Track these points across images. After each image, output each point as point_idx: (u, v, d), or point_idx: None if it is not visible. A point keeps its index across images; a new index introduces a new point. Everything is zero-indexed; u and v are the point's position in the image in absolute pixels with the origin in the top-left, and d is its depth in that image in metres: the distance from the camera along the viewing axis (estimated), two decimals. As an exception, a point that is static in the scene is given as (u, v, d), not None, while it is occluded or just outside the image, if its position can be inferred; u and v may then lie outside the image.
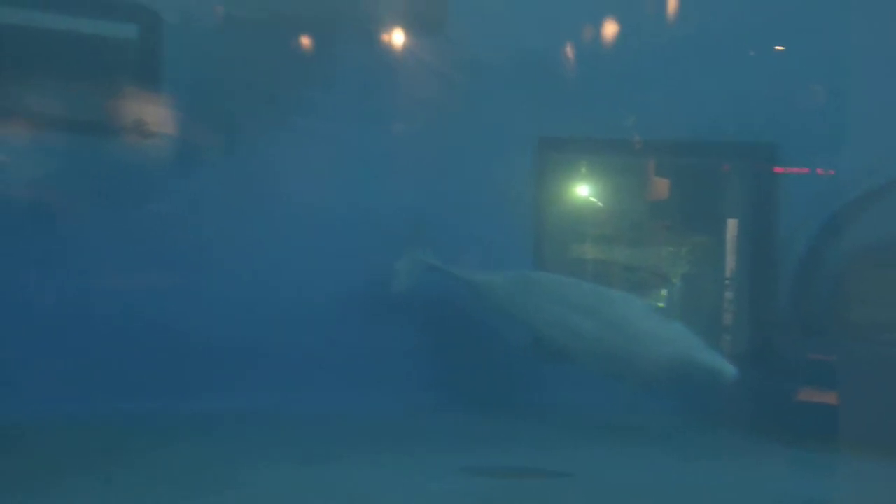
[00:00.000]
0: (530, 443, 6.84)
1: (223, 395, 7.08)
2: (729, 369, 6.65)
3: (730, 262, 8.94)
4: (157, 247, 7.34)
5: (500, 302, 7.54)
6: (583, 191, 9.46)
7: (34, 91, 7.31)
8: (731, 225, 8.92)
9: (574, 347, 7.18)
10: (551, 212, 8.80)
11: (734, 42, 8.27)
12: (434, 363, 8.00)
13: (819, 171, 8.46)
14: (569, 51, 8.36)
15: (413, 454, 6.28)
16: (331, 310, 7.64)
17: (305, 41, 7.93)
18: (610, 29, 8.36)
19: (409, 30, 8.04)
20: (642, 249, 9.49)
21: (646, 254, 9.51)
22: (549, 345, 7.32)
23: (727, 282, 8.87)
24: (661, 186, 9.34)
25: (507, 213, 8.15)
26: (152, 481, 5.23)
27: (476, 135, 8.05)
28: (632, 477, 5.86)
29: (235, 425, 6.85)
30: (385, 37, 8.06)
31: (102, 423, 6.62)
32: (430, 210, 7.83)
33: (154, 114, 7.46)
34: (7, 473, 5.30)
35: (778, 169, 8.44)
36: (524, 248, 8.31)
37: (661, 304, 9.16)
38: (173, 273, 7.33)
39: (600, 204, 9.53)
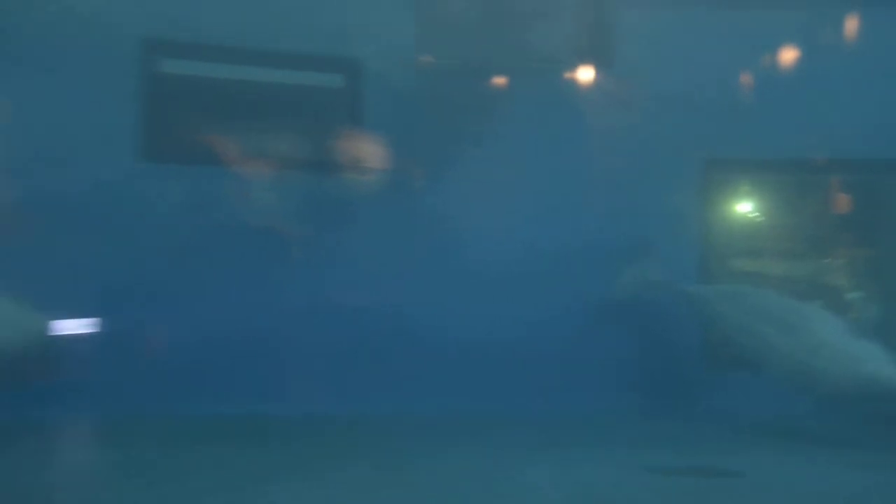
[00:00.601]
0: (712, 445, 7.15)
1: (453, 397, 7.82)
2: None
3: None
4: (378, 264, 8.15)
5: (710, 312, 8.12)
6: (744, 207, 9.84)
7: (263, 135, 8.29)
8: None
9: (769, 359, 7.57)
10: (716, 228, 9.25)
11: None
12: (635, 369, 8.55)
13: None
14: (730, 80, 8.77)
15: (601, 451, 6.72)
16: (547, 323, 8.25)
17: (492, 82, 8.64)
18: (769, 57, 8.79)
19: (584, 67, 8.64)
20: (805, 262, 9.76)
21: (808, 267, 9.77)
22: (746, 354, 7.71)
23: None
24: (820, 202, 9.59)
25: (677, 230, 8.60)
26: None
27: (649, 159, 8.55)
28: (799, 480, 6.04)
29: (470, 424, 7.51)
30: (563, 74, 8.68)
31: (361, 420, 7.51)
32: (613, 229, 8.45)
33: (362, 152, 8.29)
34: (286, 461, 6.13)
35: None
36: (692, 262, 8.79)
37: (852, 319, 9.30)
38: (402, 284, 8.10)
39: (762, 219, 9.88)
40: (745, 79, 8.79)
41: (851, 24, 8.72)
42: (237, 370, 7.73)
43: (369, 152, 8.29)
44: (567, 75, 8.72)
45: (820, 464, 6.49)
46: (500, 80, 8.65)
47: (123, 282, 7.56)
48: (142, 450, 6.36)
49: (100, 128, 7.69)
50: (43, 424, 6.87)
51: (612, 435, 7.47)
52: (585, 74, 8.73)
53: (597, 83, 8.71)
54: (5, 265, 6.89)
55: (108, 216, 7.65)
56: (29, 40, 7.52)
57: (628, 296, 8.31)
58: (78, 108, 7.59)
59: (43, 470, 5.87)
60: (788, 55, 8.76)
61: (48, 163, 7.43)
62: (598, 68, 8.72)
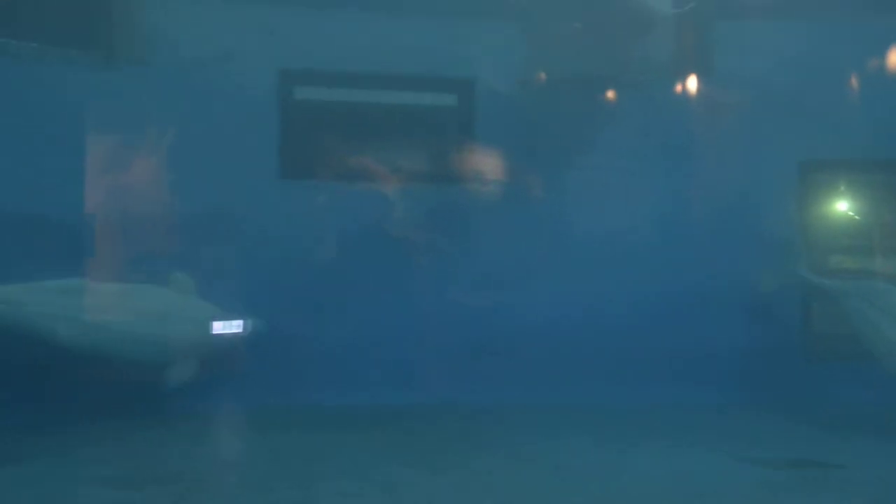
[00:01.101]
0: (814, 438, 7.43)
1: (566, 390, 8.42)
2: None
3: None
4: (497, 267, 8.74)
5: (844, 306, 8.29)
6: (840, 206, 10.00)
7: (387, 152, 8.91)
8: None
9: (885, 351, 7.80)
10: (812, 225, 9.53)
11: None
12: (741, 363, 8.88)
13: None
14: (822, 85, 9.04)
15: (703, 444, 7.03)
16: (658, 318, 8.74)
17: (598, 95, 9.07)
18: (859, 63, 9.13)
19: (686, 76, 9.07)
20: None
21: None
22: (871, 347, 7.99)
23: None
24: None
25: (776, 226, 8.97)
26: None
27: (749, 161, 8.95)
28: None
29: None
30: (666, 84, 9.09)
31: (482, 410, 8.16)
32: (713, 226, 8.85)
33: (476, 164, 8.89)
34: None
35: None
36: (788, 257, 8.99)
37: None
38: (520, 285, 8.72)
39: (856, 217, 10.02)
40: (838, 84, 9.12)
41: None
42: (378, 364, 8.44)
43: (484, 165, 8.86)
44: (670, 85, 9.11)
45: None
46: (605, 93, 9.07)
47: (268, 285, 8.26)
48: (289, 436, 7.14)
49: (245, 149, 8.44)
50: (209, 412, 7.82)
51: (722, 427, 7.82)
52: (687, 83, 9.12)
53: (698, 91, 9.13)
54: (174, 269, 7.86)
55: (254, 226, 8.38)
56: (182, 73, 8.27)
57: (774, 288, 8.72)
58: (226, 132, 8.33)
59: (199, 448, 6.86)
60: (878, 61, 9.04)
61: (203, 180, 8.17)
62: (699, 77, 9.11)
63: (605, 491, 5.67)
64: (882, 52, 9.11)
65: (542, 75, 8.94)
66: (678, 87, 9.13)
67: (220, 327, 8.05)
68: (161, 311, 7.73)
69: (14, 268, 7.27)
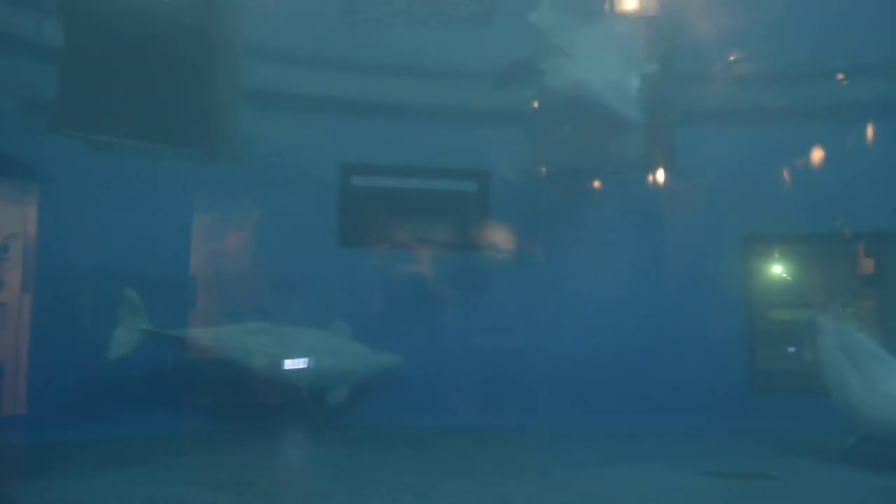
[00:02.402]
0: (757, 454, 8.07)
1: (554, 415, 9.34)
2: None
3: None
4: (506, 318, 9.72)
5: (821, 342, 8.47)
6: (774, 270, 10.99)
7: (421, 226, 10.03)
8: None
9: (838, 394, 7.94)
10: (753, 284, 10.39)
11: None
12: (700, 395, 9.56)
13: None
14: (759, 176, 9.96)
15: (670, 462, 7.61)
16: (634, 361, 9.62)
17: (585, 182, 10.18)
18: (792, 157, 10.10)
19: (653, 169, 10.16)
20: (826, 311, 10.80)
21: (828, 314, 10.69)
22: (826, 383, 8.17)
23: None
24: (841, 265, 10.75)
25: (727, 287, 9.91)
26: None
27: (702, 234, 9.92)
28: (825, 483, 6.92)
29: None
30: (635, 175, 10.15)
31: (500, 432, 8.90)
32: (678, 286, 9.82)
33: (492, 236, 10.01)
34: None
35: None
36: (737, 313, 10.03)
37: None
38: (526, 331, 9.69)
39: (787, 278, 11.03)
40: (772, 175, 10.08)
41: (861, 133, 9.95)
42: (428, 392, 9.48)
43: (497, 237, 10.03)
44: (641, 175, 10.18)
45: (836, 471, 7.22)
46: (592, 181, 10.22)
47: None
48: (383, 451, 8.03)
49: (313, 225, 9.69)
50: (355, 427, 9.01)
51: (685, 448, 8.36)
52: (655, 174, 10.18)
53: (663, 180, 10.18)
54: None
55: (319, 283, 9.49)
56: (266, 166, 9.54)
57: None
58: (299, 211, 9.56)
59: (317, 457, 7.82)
60: (803, 158, 10.03)
61: (281, 248, 9.38)
62: (664, 169, 10.17)
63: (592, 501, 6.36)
64: (806, 151, 10.11)
65: (543, 167, 10.10)
66: (648, 177, 10.24)
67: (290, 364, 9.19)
68: (325, 349, 8.96)
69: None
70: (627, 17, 9.63)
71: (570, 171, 10.03)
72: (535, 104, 9.75)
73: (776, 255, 10.93)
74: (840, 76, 9.92)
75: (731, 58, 9.97)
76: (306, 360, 8.77)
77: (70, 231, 8.56)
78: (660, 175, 10.23)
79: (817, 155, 10.09)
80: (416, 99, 10.02)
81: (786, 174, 10.13)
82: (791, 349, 10.78)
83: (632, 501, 6.36)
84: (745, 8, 9.48)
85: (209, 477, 6.77)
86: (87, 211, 8.74)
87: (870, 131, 10.03)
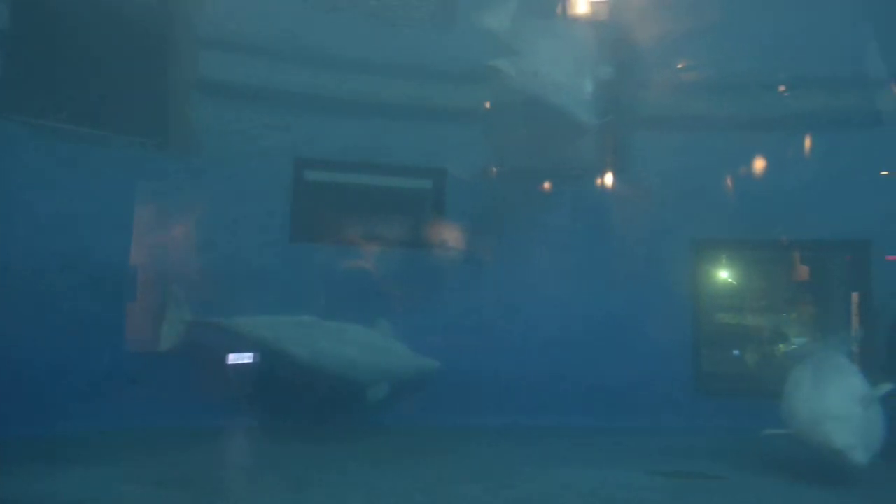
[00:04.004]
0: (702, 454, 8.07)
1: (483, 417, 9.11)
2: None
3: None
4: (454, 317, 9.43)
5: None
6: (721, 274, 11.14)
7: (375, 223, 9.74)
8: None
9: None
10: (700, 287, 10.32)
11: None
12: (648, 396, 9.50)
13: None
14: (713, 182, 9.93)
15: (619, 461, 7.70)
16: (575, 364, 9.44)
17: (539, 184, 9.98)
18: (740, 165, 10.01)
19: (606, 172, 9.99)
20: (768, 316, 10.96)
21: (772, 320, 10.99)
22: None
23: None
24: (785, 271, 10.87)
25: (675, 291, 9.80)
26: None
27: (654, 239, 9.81)
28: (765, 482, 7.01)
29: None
30: (589, 179, 9.99)
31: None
32: (627, 289, 9.63)
33: (444, 235, 9.76)
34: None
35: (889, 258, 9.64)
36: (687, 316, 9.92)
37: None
38: (473, 330, 9.43)
39: (733, 283, 11.19)
40: (720, 181, 10.01)
41: (802, 143, 9.92)
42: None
43: (450, 236, 9.77)
44: (595, 178, 10.02)
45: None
46: (546, 183, 10.00)
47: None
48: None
49: (265, 218, 9.31)
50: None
51: (634, 447, 8.39)
52: (608, 177, 10.02)
53: (616, 183, 10.02)
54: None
55: (268, 277, 9.12)
56: (220, 158, 9.16)
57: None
58: (252, 205, 9.20)
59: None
60: (749, 165, 9.96)
61: (232, 242, 9.04)
62: (617, 172, 10.01)
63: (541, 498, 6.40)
64: (753, 159, 10.02)
65: (498, 167, 9.87)
66: (601, 180, 10.07)
67: (233, 358, 8.81)
68: (369, 345, 8.85)
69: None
70: (582, 22, 9.44)
71: (524, 172, 9.82)
72: (492, 105, 9.45)
73: (723, 260, 10.96)
74: (782, 88, 9.91)
75: (679, 65, 9.89)
76: (351, 354, 8.62)
77: (7, 219, 8.02)
78: (613, 179, 10.04)
79: (764, 163, 9.99)
80: (373, 95, 9.68)
81: (734, 181, 9.98)
82: (735, 352, 10.93)
83: (577, 500, 6.32)
84: (695, 17, 9.32)
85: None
86: (27, 199, 8.19)
87: (813, 142, 9.94)
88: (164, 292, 8.59)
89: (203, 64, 9.21)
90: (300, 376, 8.57)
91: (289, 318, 8.61)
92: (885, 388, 7.17)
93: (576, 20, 9.46)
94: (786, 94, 9.92)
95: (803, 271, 10.83)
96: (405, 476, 6.87)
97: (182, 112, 9.02)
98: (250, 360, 8.78)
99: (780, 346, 10.79)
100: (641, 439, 8.76)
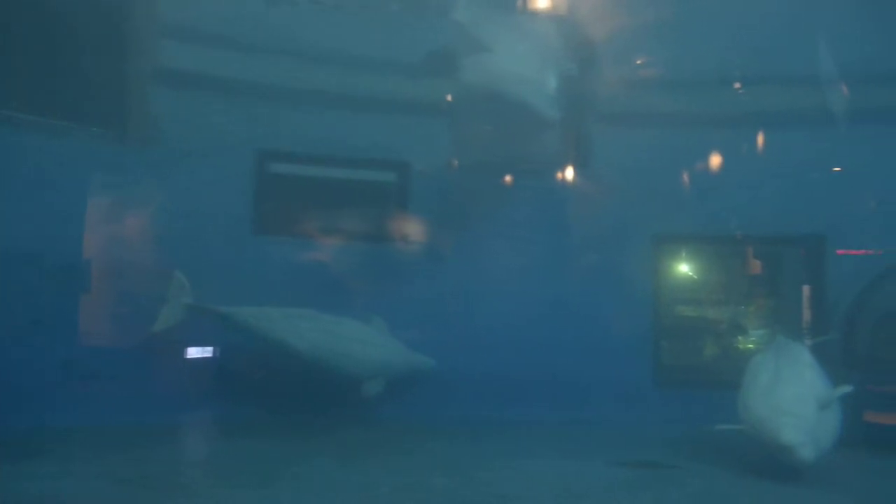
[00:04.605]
0: (659, 445, 8.20)
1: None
2: None
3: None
4: (416, 309, 9.33)
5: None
6: (681, 268, 11.22)
7: (338, 216, 9.57)
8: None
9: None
10: (661, 281, 10.37)
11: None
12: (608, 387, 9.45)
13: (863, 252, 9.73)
14: (672, 178, 9.94)
15: (581, 452, 7.82)
16: (536, 359, 9.37)
17: (502, 178, 9.93)
18: (698, 162, 10.02)
19: (568, 167, 9.94)
20: (726, 309, 11.05)
21: (729, 312, 11.08)
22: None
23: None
24: (742, 265, 10.96)
25: (635, 284, 9.82)
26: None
27: (614, 234, 9.79)
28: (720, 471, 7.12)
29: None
30: (551, 174, 9.96)
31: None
32: (588, 283, 9.61)
33: (407, 229, 9.69)
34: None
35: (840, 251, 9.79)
36: (648, 309, 9.96)
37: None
38: (435, 323, 9.35)
39: (693, 277, 11.28)
40: (683, 178, 10.04)
41: (758, 140, 9.98)
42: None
43: (412, 229, 9.70)
44: (558, 172, 9.99)
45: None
46: (508, 177, 9.95)
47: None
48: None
49: (227, 211, 9.12)
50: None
51: (584, 439, 8.47)
52: (571, 172, 9.99)
53: (578, 178, 9.98)
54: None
55: (229, 271, 8.90)
56: (179, 150, 8.94)
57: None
58: (213, 197, 8.99)
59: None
60: (708, 162, 10.00)
61: (192, 235, 8.82)
62: (579, 167, 9.98)
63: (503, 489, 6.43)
64: (711, 154, 10.03)
65: (461, 160, 9.77)
66: (563, 175, 10.04)
67: (194, 352, 8.64)
68: (367, 339, 8.85)
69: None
70: (545, 17, 9.38)
71: (488, 166, 9.69)
72: (455, 98, 9.33)
73: (683, 255, 11.03)
74: (738, 85, 9.95)
75: (639, 61, 9.86)
76: (349, 347, 8.61)
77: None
78: (574, 174, 9.99)
79: (722, 160, 10.01)
80: (337, 87, 9.53)
81: (693, 177, 9.98)
82: (695, 345, 10.97)
83: (538, 491, 6.42)
84: (654, 14, 9.28)
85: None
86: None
87: (770, 139, 9.96)
88: (167, 276, 8.40)
89: (163, 53, 8.98)
90: (297, 368, 8.50)
91: (287, 310, 8.55)
92: (844, 389, 7.20)
93: (539, 15, 9.38)
94: (741, 92, 9.95)
95: (761, 265, 10.95)
96: (371, 471, 6.80)
97: (141, 102, 8.78)
98: (210, 355, 8.65)
99: (739, 338, 10.91)
100: (602, 431, 8.79)
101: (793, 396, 6.97)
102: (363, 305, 9.19)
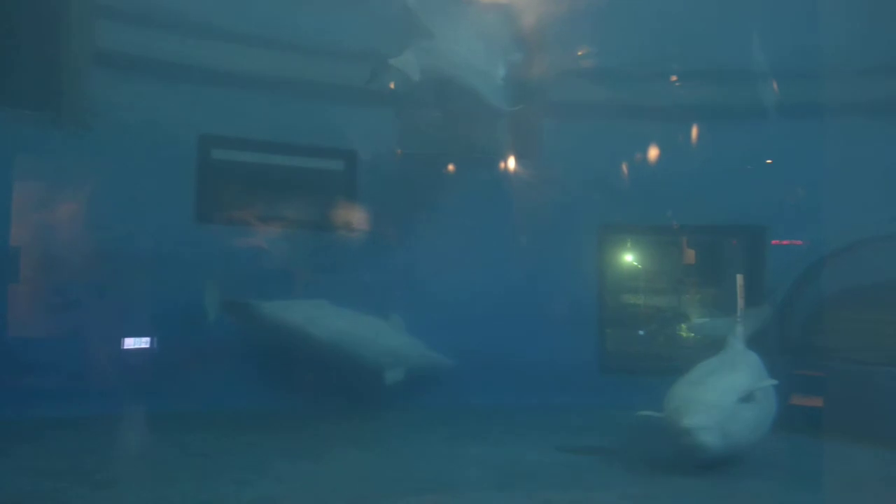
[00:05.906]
0: (599, 431, 8.23)
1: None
2: None
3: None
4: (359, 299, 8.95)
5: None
6: (626, 258, 11.25)
7: (283, 204, 9.26)
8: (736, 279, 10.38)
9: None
10: (606, 270, 10.42)
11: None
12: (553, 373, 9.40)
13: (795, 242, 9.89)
14: (617, 169, 9.91)
15: (528, 437, 7.81)
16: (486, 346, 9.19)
17: (449, 168, 9.76)
18: (642, 154, 9.97)
19: (516, 158, 9.79)
20: (671, 297, 11.11)
21: (671, 300, 11.18)
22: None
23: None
24: (684, 255, 11.01)
25: (581, 274, 9.82)
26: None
27: (561, 223, 9.68)
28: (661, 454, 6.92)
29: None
30: (498, 163, 9.80)
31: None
32: (535, 272, 9.53)
33: (354, 217, 9.42)
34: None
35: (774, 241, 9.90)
36: (593, 297, 9.94)
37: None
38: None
39: (637, 266, 11.32)
40: (627, 169, 10.00)
41: (700, 134, 9.98)
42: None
43: (359, 218, 9.44)
44: (506, 162, 9.84)
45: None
46: (455, 167, 9.78)
47: (178, 306, 8.44)
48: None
49: (167, 198, 8.71)
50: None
51: (529, 425, 8.43)
52: (519, 162, 9.83)
53: (527, 168, 9.82)
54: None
55: (171, 259, 8.54)
56: (118, 134, 8.49)
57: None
58: (153, 184, 8.56)
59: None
60: (651, 153, 9.95)
61: (131, 222, 8.43)
62: (528, 158, 9.82)
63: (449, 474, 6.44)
64: (653, 146, 9.94)
65: (410, 149, 9.58)
66: (512, 165, 9.87)
67: (131, 343, 8.28)
68: (387, 330, 8.82)
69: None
70: (492, 4, 9.10)
71: (436, 154, 9.53)
72: (404, 86, 8.81)
73: (628, 244, 11.07)
74: (674, 78, 9.97)
75: (580, 52, 9.74)
76: (369, 335, 8.56)
77: None
78: (521, 164, 9.82)
79: (664, 151, 9.93)
80: (285, 74, 9.16)
81: (636, 168, 9.90)
82: (640, 332, 11.05)
83: (482, 476, 6.44)
84: (594, 5, 9.10)
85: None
86: None
87: (711, 131, 9.94)
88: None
89: (100, 34, 8.47)
90: (322, 358, 8.43)
91: (307, 302, 8.54)
92: (767, 383, 7.15)
93: (484, 3, 9.18)
94: (677, 85, 9.95)
95: (703, 255, 11.02)
96: (320, 463, 6.66)
97: (76, 85, 8.29)
98: (146, 346, 8.29)
99: (682, 325, 10.99)
100: (546, 416, 8.75)
101: (711, 387, 6.81)
102: (307, 293, 8.86)
